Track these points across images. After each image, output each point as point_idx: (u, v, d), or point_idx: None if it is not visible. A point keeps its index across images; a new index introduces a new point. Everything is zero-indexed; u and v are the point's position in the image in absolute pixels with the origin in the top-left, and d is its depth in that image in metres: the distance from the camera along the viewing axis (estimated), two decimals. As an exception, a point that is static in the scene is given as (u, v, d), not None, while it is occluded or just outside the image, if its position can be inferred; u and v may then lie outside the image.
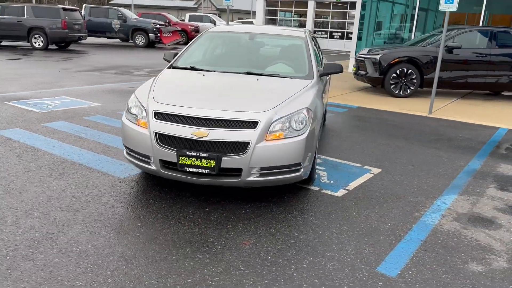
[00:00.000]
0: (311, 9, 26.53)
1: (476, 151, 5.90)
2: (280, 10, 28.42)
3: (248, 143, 3.48)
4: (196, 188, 4.07)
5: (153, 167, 3.70)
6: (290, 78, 4.46)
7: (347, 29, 26.47)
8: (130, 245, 3.06)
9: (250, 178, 3.57)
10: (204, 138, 3.46)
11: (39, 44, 17.16)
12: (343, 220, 3.62)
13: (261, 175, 3.61)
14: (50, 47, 18.03)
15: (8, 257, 2.83)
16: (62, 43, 18.33)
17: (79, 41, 19.87)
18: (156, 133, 3.60)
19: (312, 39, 5.65)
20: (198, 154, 3.46)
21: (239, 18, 52.72)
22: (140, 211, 3.57)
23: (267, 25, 5.53)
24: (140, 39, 21.17)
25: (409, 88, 9.93)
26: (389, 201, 4.05)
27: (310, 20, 26.86)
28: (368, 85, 11.37)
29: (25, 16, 16.95)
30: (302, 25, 28.08)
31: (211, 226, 3.39)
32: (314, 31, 27.42)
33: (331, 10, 26.95)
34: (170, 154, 3.56)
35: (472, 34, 9.99)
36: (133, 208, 3.63)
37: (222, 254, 3.00)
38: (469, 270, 2.98)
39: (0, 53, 15.08)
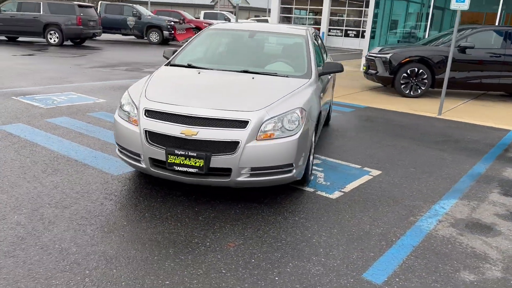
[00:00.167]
0: (326, 7, 26.28)
1: (482, 154, 5.73)
2: (295, 8, 28.24)
3: (238, 142, 3.42)
4: (188, 187, 4.02)
5: (143, 165, 3.66)
6: (287, 77, 4.38)
7: (362, 28, 26.16)
8: (113, 244, 3.02)
9: (240, 179, 3.51)
10: (193, 137, 3.40)
11: (54, 40, 17.34)
12: (335, 223, 3.53)
13: (252, 175, 3.54)
14: (65, 43, 18.21)
15: (-11, 254, 2.82)
16: (77, 40, 18.51)
17: (94, 38, 20.06)
18: (146, 131, 3.57)
19: (315, 38, 5.55)
20: (186, 153, 3.41)
21: (255, 16, 52.61)
22: (128, 210, 3.53)
23: (268, 23, 5.43)
24: (154, 36, 21.25)
25: (419, 88, 9.73)
26: (385, 205, 3.94)
27: (325, 18, 26.61)
28: (379, 84, 11.19)
29: (41, 13, 17.14)
30: (317, 23, 27.84)
31: (198, 226, 3.34)
32: (329, 29, 27.17)
33: (346, 8, 26.65)
34: (159, 153, 3.51)
35: (485, 34, 9.74)
36: (122, 206, 3.60)
37: (205, 255, 2.95)
38: (460, 279, 2.87)
39: (16, 48, 15.29)
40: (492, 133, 6.96)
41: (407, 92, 9.80)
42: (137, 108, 3.70)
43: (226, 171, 3.50)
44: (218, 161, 3.43)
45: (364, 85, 11.49)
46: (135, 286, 2.59)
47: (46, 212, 3.41)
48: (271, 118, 3.55)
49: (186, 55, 4.88)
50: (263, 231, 3.33)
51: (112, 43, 20.58)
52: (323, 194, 4.09)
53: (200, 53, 5.02)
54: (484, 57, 9.54)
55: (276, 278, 2.75)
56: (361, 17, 26.64)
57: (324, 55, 6.22)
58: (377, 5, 14.73)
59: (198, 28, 24.27)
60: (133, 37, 23.35)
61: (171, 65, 4.73)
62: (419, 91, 9.75)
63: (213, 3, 57.93)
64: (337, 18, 27.18)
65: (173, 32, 20.98)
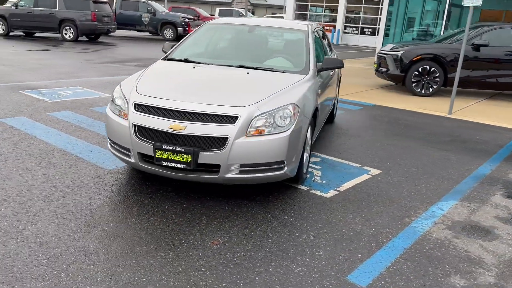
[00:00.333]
0: (342, 4, 26.00)
1: (490, 155, 5.54)
2: (311, 5, 28.01)
3: (227, 138, 3.34)
4: (179, 183, 3.97)
5: (132, 160, 3.62)
6: (283, 72, 4.29)
7: (379, 25, 25.78)
8: (95, 239, 2.98)
9: (229, 175, 3.43)
10: (181, 132, 3.34)
11: (69, 36, 17.53)
12: (325, 222, 3.43)
13: (241, 172, 3.46)
14: (80, 38, 18.41)
15: (-32, 246, 2.80)
16: (92, 35, 18.68)
17: (109, 34, 20.20)
18: (134, 125, 3.52)
19: (317, 33, 5.44)
20: (174, 148, 3.35)
21: (272, 13, 52.44)
22: (116, 205, 3.49)
23: (270, 18, 5.34)
24: (168, 33, 21.30)
25: (431, 86, 9.51)
26: (380, 205, 3.82)
27: (341, 15, 26.33)
28: (391, 82, 10.99)
29: (57, 8, 17.32)
30: (333, 20, 27.57)
31: (184, 223, 3.28)
32: (345, 27, 26.88)
33: (363, 5, 26.32)
34: (147, 147, 3.46)
35: (501, 32, 9.46)
36: (110, 201, 3.56)
37: (186, 253, 2.88)
38: (450, 284, 2.75)
39: (32, 43, 15.49)
40: (503, 133, 6.75)
41: (418, 90, 9.59)
42: (127, 102, 3.66)
43: (214, 167, 3.43)
44: (207, 157, 3.36)
45: (376, 83, 11.30)
46: (111, 282, 2.54)
47: (33, 205, 3.39)
48: (262, 113, 3.47)
49: (183, 50, 4.82)
50: (250, 229, 3.25)
51: (126, 39, 20.71)
52: (317, 192, 3.99)
53: (198, 48, 4.96)
54: (500, 56, 9.27)
55: (257, 278, 2.67)
56: (377, 15, 26.28)
57: (328, 51, 6.10)
58: (391, 2, 14.48)
59: (212, 25, 24.24)
60: (147, 33, 23.47)
61: (168, 60, 4.67)
62: (431, 90, 9.53)
63: (230, 0, 57.93)
64: (354, 15, 26.88)
65: (187, 28, 21.00)
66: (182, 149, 3.33)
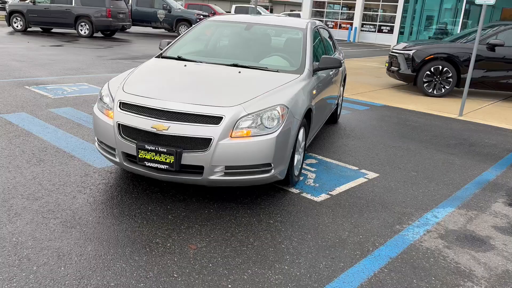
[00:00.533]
0: (360, 1, 25.62)
1: (497, 160, 5.33)
2: (328, 3, 27.69)
3: (210, 139, 3.25)
4: (167, 183, 3.90)
5: (117, 160, 3.56)
6: (277, 71, 4.17)
7: (401, 24, 25.31)
8: (71, 240, 2.93)
9: (213, 177, 3.34)
10: (164, 132, 3.27)
11: (84, 32, 17.68)
12: (311, 228, 3.32)
13: (226, 174, 3.37)
14: (95, 35, 18.57)
15: None
16: (107, 32, 18.81)
17: (124, 30, 20.33)
18: (118, 124, 3.46)
19: (318, 31, 5.30)
20: (157, 148, 3.27)
21: (291, 10, 52.13)
22: (98, 205, 3.44)
23: (269, 16, 5.22)
24: (183, 30, 21.32)
25: (444, 87, 9.25)
26: (372, 211, 3.69)
27: (358, 12, 25.96)
28: (403, 82, 10.74)
29: (73, 5, 17.48)
30: (350, 18, 27.21)
31: (164, 225, 3.20)
32: (362, 25, 26.49)
33: (381, 2, 25.88)
34: (131, 147, 3.40)
35: (518, 31, 9.14)
36: (93, 200, 3.51)
37: (161, 257, 2.81)
38: (434, 298, 2.61)
39: (47, 39, 15.66)
40: (513, 137, 6.51)
41: (430, 91, 9.35)
42: (113, 100, 3.60)
43: (198, 169, 3.34)
44: (190, 158, 3.28)
45: (387, 82, 11.07)
46: (78, 287, 2.47)
47: (15, 204, 3.36)
48: (248, 114, 3.36)
49: (179, 47, 4.75)
50: (231, 233, 3.16)
51: (142, 36, 20.81)
52: (308, 196, 3.87)
53: (193, 45, 4.87)
54: (516, 56, 8.96)
55: (229, 286, 2.57)
56: (395, 13, 25.82)
57: (332, 50, 5.95)
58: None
59: (228, 22, 24.19)
60: (163, 30, 23.54)
61: (162, 57, 4.61)
62: (443, 91, 9.27)
63: (249, -2, 57.80)
64: (371, 13, 26.47)
65: (202, 25, 20.96)
66: (165, 150, 3.25)
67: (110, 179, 3.94)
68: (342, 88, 6.64)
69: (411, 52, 9.33)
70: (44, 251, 2.78)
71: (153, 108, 3.37)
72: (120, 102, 3.52)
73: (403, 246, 3.15)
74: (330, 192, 3.99)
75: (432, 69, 9.18)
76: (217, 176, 3.35)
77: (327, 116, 5.51)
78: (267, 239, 3.12)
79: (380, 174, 4.54)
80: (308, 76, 4.23)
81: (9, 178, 3.81)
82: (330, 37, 6.28)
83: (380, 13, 25.94)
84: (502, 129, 6.96)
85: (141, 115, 3.38)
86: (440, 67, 9.12)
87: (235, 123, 3.31)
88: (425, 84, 9.32)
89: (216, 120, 3.29)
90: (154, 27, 21.96)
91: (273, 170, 3.48)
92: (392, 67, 9.85)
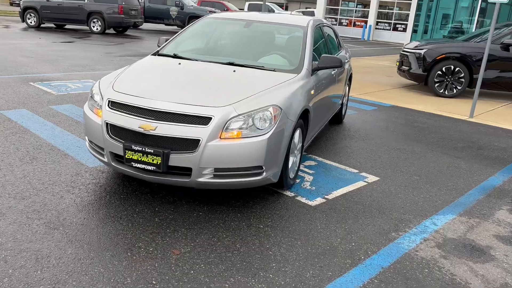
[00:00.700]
0: (375, -1, 25.25)
1: (505, 164, 5.12)
2: (343, 0, 27.37)
3: (198, 140, 3.15)
4: (158, 184, 3.81)
5: (105, 159, 3.48)
6: (273, 71, 4.04)
7: (415, 22, 24.89)
8: (52, 242, 2.86)
9: (202, 179, 3.24)
10: (152, 132, 3.17)
11: (97, 28, 17.75)
12: (302, 234, 3.19)
13: (215, 176, 3.26)
14: (107, 31, 18.63)
15: None
16: (119, 28, 18.86)
17: (137, 27, 20.35)
18: (107, 123, 3.37)
19: (321, 29, 5.15)
20: (143, 149, 3.18)
21: (306, 8, 51.80)
22: (85, 205, 3.36)
23: (269, 13, 5.08)
24: (195, 26, 21.24)
25: (455, 87, 9.01)
26: (368, 216, 3.54)
27: (373, 10, 25.58)
28: (414, 82, 10.51)
29: (86, 1, 17.54)
30: (365, 15, 26.86)
31: (150, 228, 3.11)
32: (377, 23, 26.11)
33: (396, 0, 25.46)
34: (118, 147, 3.32)
35: (534, 30, 8.84)
36: (80, 201, 3.43)
37: (142, 262, 2.71)
38: (424, 312, 2.47)
39: (60, 35, 15.74)
40: (525, 140, 6.27)
41: (441, 91, 9.11)
42: (102, 99, 3.52)
43: (186, 171, 3.24)
44: (177, 159, 3.18)
45: (398, 82, 10.84)
46: (52, 292, 2.40)
47: (1, 203, 3.30)
48: (239, 115, 3.25)
49: (176, 45, 4.66)
50: (218, 238, 3.06)
51: (154, 33, 20.82)
52: (303, 200, 3.74)
53: (191, 43, 4.77)
54: (531, 56, 8.67)
55: (209, 294, 2.47)
56: (409, 10, 25.38)
57: (337, 49, 5.80)
58: (421, -3, 13.87)
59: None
60: (175, 27, 23.53)
61: (158, 55, 4.51)
62: (455, 91, 9.03)
63: (264, -5, 57.52)
64: (386, 11, 26.07)
65: (214, 22, 20.87)
66: (152, 151, 3.16)
67: (100, 179, 3.86)
68: (347, 88, 6.48)
69: (422, 51, 9.10)
70: (23, 253, 2.71)
71: (141, 108, 3.28)
72: (109, 101, 3.44)
73: (397, 255, 3.01)
74: (326, 196, 3.85)
75: (443, 69, 8.94)
76: (206, 178, 3.25)
77: (329, 117, 5.37)
78: (254, 245, 3.01)
79: (380, 178, 4.39)
80: (306, 76, 4.10)
81: (-1, 176, 3.76)
82: (335, 35, 6.12)
83: (395, 11, 25.53)
84: (514, 132, 6.72)
85: (129, 114, 3.29)
86: (452, 67, 8.88)
87: (225, 124, 3.20)
88: (436, 84, 9.09)
89: (204, 120, 3.18)
90: (166, 24, 21.96)
91: (264, 173, 3.37)
92: (403, 66, 9.64)
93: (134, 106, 3.30)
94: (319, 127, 4.87)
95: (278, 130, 3.37)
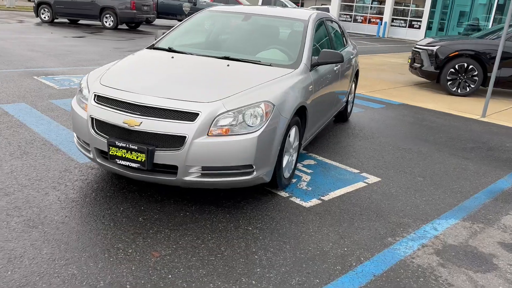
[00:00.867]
0: (391, -5, 24.80)
1: (516, 166, 4.88)
2: (358, -4, 26.97)
3: (185, 137, 3.00)
4: (147, 182, 3.68)
5: (91, 156, 3.36)
6: (270, 66, 3.88)
7: (429, 19, 24.38)
8: (28, 241, 2.74)
9: (188, 178, 3.10)
10: (136, 128, 3.04)
11: (109, 24, 17.75)
12: (292, 237, 3.03)
13: (203, 175, 3.12)
14: (120, 27, 18.62)
15: None
16: (132, 24, 18.84)
17: (149, 23, 20.32)
18: (92, 118, 3.25)
19: (324, 24, 4.96)
20: (127, 145, 3.05)
21: (322, 4, 51.29)
22: (68, 203, 3.25)
23: (269, 6, 4.91)
24: (208, 22, 21.14)
25: (468, 86, 8.71)
26: (364, 219, 3.36)
27: (389, 7, 25.13)
28: (426, 80, 10.22)
29: (98, -4, 17.55)
30: (380, 12, 26.41)
31: (132, 228, 2.98)
32: (392, 19, 25.65)
33: (412, -3, 24.98)
34: (103, 143, 3.19)
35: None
36: (65, 198, 3.32)
37: (119, 265, 2.58)
38: (415, 326, 2.29)
39: (72, 30, 15.77)
40: (539, 141, 5.99)
41: (454, 89, 8.82)
42: (89, 93, 3.40)
43: (172, 169, 3.10)
44: (163, 157, 3.04)
45: (410, 80, 10.56)
46: (19, 294, 2.28)
47: (-17, 199, 3.21)
48: (228, 111, 3.10)
49: (172, 38, 4.52)
50: (202, 240, 2.91)
51: (166, 28, 20.75)
52: (297, 201, 3.58)
53: (187, 36, 4.63)
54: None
55: (185, 301, 2.33)
56: (424, 7, 24.86)
57: (343, 44, 5.60)
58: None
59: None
60: (189, 22, 23.42)
61: (153, 48, 4.38)
62: (468, 89, 8.74)
63: (279, -9, 57.10)
64: (402, 7, 25.59)
65: (226, 18, 20.74)
66: (136, 147, 3.03)
67: (89, 175, 3.75)
68: (353, 85, 6.27)
69: (434, 48, 8.82)
70: (-4, 252, 2.61)
71: (126, 102, 3.15)
72: (95, 95, 3.32)
73: (392, 262, 2.83)
74: (322, 197, 3.68)
75: (456, 66, 8.65)
76: (193, 177, 3.10)
77: (332, 114, 5.18)
78: (240, 248, 2.86)
79: (382, 179, 4.20)
80: (305, 71, 3.93)
81: (-14, 171, 3.68)
82: (341, 30, 5.92)
83: (411, 7, 25.01)
84: (528, 133, 6.44)
85: (113, 109, 3.17)
86: (465, 64, 8.58)
87: (213, 120, 3.05)
88: (448, 82, 8.81)
89: (191, 116, 3.04)
90: (179, 20, 21.86)
91: (255, 172, 3.21)
92: (415, 64, 9.36)
93: (119, 101, 3.17)
94: (320, 125, 4.69)
95: (270, 128, 3.21)
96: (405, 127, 6.17)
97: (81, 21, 19.61)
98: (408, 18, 25.24)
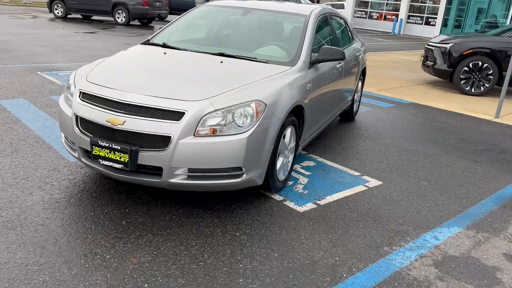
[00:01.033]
0: (407, -8, 24.32)
1: (528, 171, 4.63)
2: (373, -7, 26.53)
3: (169, 137, 2.86)
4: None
5: (76, 155, 3.25)
6: (265, 63, 3.71)
7: (445, 16, 23.85)
8: (3, 244, 2.63)
9: (174, 180, 2.96)
10: (120, 127, 2.91)
11: (121, 20, 17.75)
12: (281, 244, 2.86)
13: (190, 177, 2.97)
14: (132, 23, 18.60)
15: None
16: (144, 20, 18.81)
17: (160, 19, 20.27)
18: (76, 116, 3.13)
19: (327, 19, 4.76)
20: (110, 145, 2.92)
21: (338, 0, 50.73)
22: (52, 204, 3.14)
23: (271, 1, 4.73)
24: (220, 18, 21.00)
25: (483, 85, 8.41)
26: (361, 226, 3.18)
27: (405, 3, 24.66)
28: (440, 78, 9.91)
29: (111, -8, 17.54)
30: (396, 9, 25.95)
31: (113, 232, 2.85)
32: (408, 16, 25.18)
33: (429, -7, 24.46)
34: (87, 142, 3.07)
35: None
36: (49, 198, 3.21)
37: (94, 271, 2.45)
38: None
39: (84, 26, 15.79)
40: (555, 144, 5.71)
41: (468, 89, 8.53)
42: (75, 90, 3.28)
43: (157, 170, 2.96)
44: (147, 157, 2.90)
45: (422, 78, 10.27)
46: (-16, 302, 2.16)
47: (-35, 198, 3.12)
48: (216, 110, 2.94)
49: (168, 33, 4.38)
50: (185, 246, 2.77)
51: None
52: (291, 205, 3.41)
53: (184, 31, 4.48)
54: None
55: (158, 313, 2.19)
56: (445, 4, 24.31)
57: (348, 41, 5.40)
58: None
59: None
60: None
61: (148, 44, 4.25)
62: (482, 89, 8.44)
63: (295, -13, 56.70)
64: (419, 4, 25.08)
65: (239, 14, 20.58)
66: (119, 147, 2.89)
67: (77, 174, 3.64)
68: (360, 83, 6.06)
69: (448, 46, 8.53)
70: (-32, 256, 2.50)
71: (110, 100, 3.02)
72: (80, 92, 3.20)
73: (386, 274, 2.65)
74: (318, 201, 3.50)
75: (470, 64, 8.35)
76: (178, 179, 2.96)
77: (335, 114, 4.99)
78: (224, 255, 2.70)
79: (383, 182, 4.00)
80: (303, 69, 3.75)
81: (-27, 169, 3.59)
82: (347, 26, 5.71)
83: (428, 4, 24.49)
84: (544, 135, 6.15)
85: (97, 107, 3.04)
86: (480, 63, 8.28)
87: (200, 120, 2.90)
88: (462, 81, 8.51)
89: (176, 115, 2.89)
90: (191, 16, 21.76)
91: (244, 175, 3.05)
92: (427, 62, 9.08)
93: (103, 98, 3.04)
94: (321, 125, 4.50)
95: (261, 128, 3.04)
96: (413, 128, 5.94)
97: (94, 17, 19.65)
98: (425, 15, 24.72)
